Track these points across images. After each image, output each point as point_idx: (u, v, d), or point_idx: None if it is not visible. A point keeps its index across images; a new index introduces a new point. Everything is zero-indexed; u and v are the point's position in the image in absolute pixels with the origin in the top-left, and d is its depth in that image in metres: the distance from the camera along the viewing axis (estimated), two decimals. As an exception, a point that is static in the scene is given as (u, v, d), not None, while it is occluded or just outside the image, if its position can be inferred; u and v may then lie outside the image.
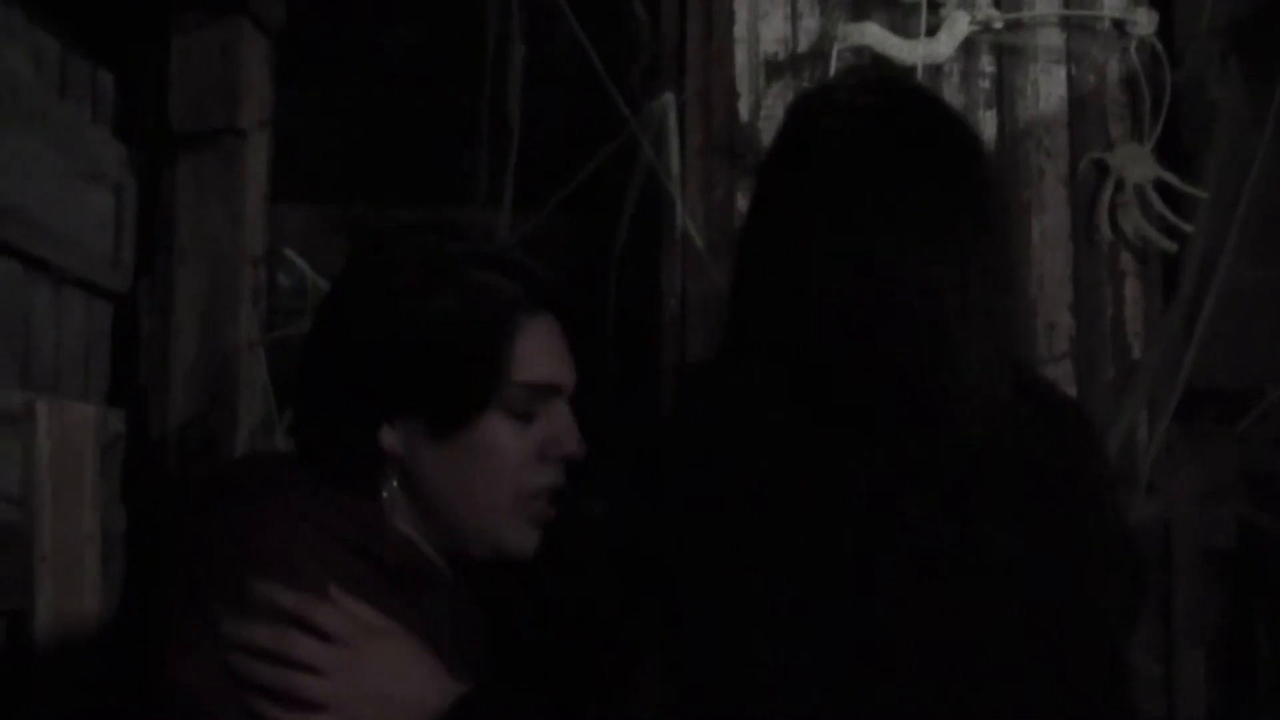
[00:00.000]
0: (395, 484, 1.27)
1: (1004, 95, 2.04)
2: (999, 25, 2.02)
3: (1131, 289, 2.04)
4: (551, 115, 2.08)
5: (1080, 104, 2.04)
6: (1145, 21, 2.02)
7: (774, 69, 2.03)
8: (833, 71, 1.96)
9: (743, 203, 1.98)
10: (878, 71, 1.85)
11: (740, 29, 2.03)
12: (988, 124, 2.02)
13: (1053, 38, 2.05)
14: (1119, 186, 2.01)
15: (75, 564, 1.69)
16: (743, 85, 2.03)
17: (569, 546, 1.35)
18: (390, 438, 1.25)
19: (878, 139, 1.24)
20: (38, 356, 1.75)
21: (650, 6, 2.04)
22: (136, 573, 1.84)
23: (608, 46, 2.01)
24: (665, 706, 1.18)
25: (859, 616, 1.13)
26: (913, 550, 1.15)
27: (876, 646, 1.13)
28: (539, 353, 1.28)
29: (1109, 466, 1.42)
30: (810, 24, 2.04)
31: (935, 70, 2.00)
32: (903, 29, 2.00)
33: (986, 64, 2.05)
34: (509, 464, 1.27)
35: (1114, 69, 2.05)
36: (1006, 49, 2.05)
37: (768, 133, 1.99)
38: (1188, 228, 2.01)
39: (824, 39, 2.02)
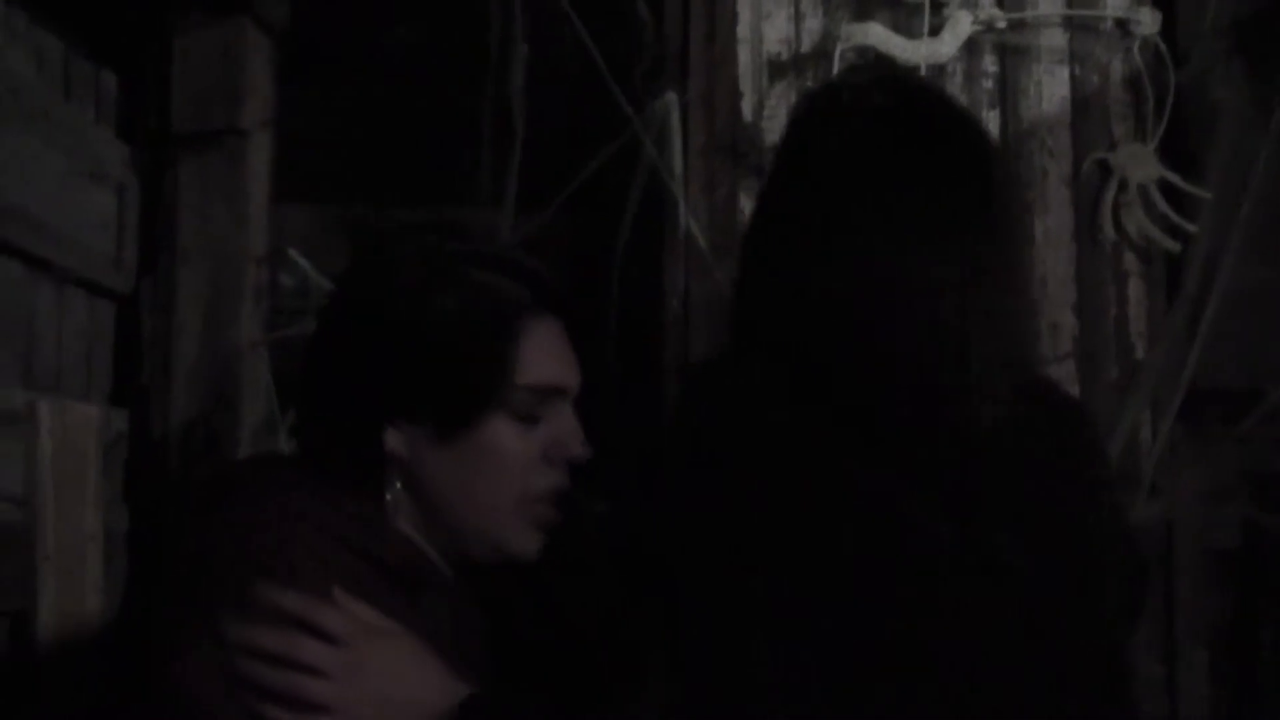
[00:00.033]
0: (399, 486, 1.27)
1: (1007, 95, 2.04)
2: (1002, 25, 2.02)
3: (1135, 289, 2.04)
4: (554, 115, 2.08)
5: (1083, 104, 2.05)
6: (1148, 21, 2.02)
7: (777, 69, 2.03)
8: (835, 72, 1.95)
9: (745, 202, 1.98)
10: (884, 69, 1.84)
11: (743, 29, 2.03)
12: (990, 124, 2.02)
13: (1056, 38, 2.05)
14: (1122, 186, 2.01)
15: (78, 564, 1.70)
16: (746, 85, 2.03)
17: (571, 546, 1.35)
18: (394, 440, 1.25)
19: (879, 140, 1.24)
20: (40, 356, 1.75)
21: (653, 7, 2.04)
22: (139, 573, 1.84)
23: (611, 46, 2.01)
24: (668, 707, 1.18)
25: (859, 616, 1.13)
26: (913, 550, 1.15)
27: (876, 646, 1.12)
28: (544, 355, 1.28)
29: (1111, 467, 1.42)
30: (813, 24, 2.04)
31: (938, 70, 2.00)
32: (906, 29, 2.00)
33: (989, 64, 2.05)
34: (513, 466, 1.27)
35: (1117, 69, 2.05)
36: (1009, 49, 2.05)
37: (771, 133, 1.99)
38: (1191, 228, 2.01)
39: (827, 39, 2.02)
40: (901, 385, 1.18)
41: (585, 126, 2.06)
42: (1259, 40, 2.04)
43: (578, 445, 1.30)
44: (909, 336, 1.18)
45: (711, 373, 1.30)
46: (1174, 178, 2.01)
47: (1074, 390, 1.97)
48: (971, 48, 2.03)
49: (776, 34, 2.04)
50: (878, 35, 1.97)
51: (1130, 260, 2.04)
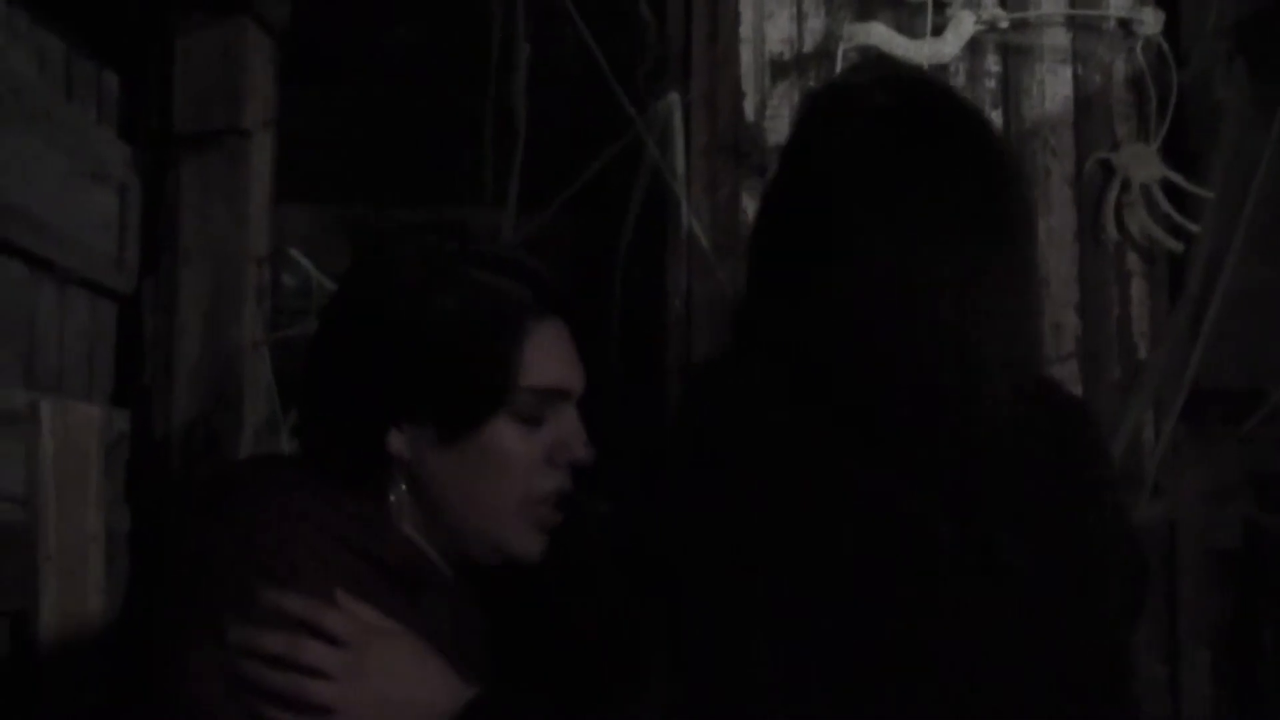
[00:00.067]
0: (403, 487, 1.27)
1: (1009, 95, 2.04)
2: (1005, 25, 2.02)
3: (1137, 289, 2.04)
4: (556, 115, 2.08)
5: (1086, 104, 2.04)
6: (1151, 21, 2.01)
7: (779, 69, 2.03)
8: (838, 72, 1.95)
9: (748, 202, 1.98)
10: (889, 67, 1.84)
11: (745, 29, 2.03)
12: (993, 124, 2.02)
13: (1058, 37, 2.05)
14: (1125, 186, 2.01)
15: (79, 564, 1.69)
16: (748, 85, 2.03)
17: (574, 547, 1.35)
18: (398, 442, 1.25)
19: (881, 139, 1.23)
20: (42, 356, 1.75)
21: (655, 7, 2.04)
22: (140, 573, 1.84)
23: (613, 47, 2.01)
24: (669, 707, 1.18)
25: (859, 616, 1.13)
26: (913, 550, 1.14)
27: (877, 646, 1.12)
28: (547, 357, 1.28)
29: (1112, 467, 1.41)
30: (816, 24, 2.04)
31: (941, 70, 2.00)
32: (908, 28, 2.00)
33: (992, 64, 2.05)
34: (517, 469, 1.27)
35: (1120, 69, 2.05)
36: (1012, 49, 2.04)
37: (773, 132, 1.99)
38: (1194, 228, 2.01)
39: (829, 39, 2.02)
40: (902, 385, 1.18)
41: (587, 126, 2.06)
42: (1261, 40, 2.04)
43: (581, 447, 1.30)
44: (909, 336, 1.18)
45: (713, 373, 1.30)
46: (1177, 177, 2.01)
47: (1077, 390, 1.97)
48: (974, 47, 2.02)
49: (779, 34, 2.04)
50: (880, 35, 1.97)
51: (1133, 260, 2.04)
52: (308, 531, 1.20)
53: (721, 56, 2.03)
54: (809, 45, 2.03)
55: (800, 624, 1.12)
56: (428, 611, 1.25)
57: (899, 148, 1.23)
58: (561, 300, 1.31)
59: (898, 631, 1.13)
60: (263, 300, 2.00)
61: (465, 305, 1.24)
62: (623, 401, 1.83)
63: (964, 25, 1.99)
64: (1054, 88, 2.04)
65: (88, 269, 1.84)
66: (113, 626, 1.75)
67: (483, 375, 1.24)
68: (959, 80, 2.02)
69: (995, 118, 2.03)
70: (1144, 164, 2.01)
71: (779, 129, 1.99)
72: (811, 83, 1.99)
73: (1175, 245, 2.01)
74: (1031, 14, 2.04)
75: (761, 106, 2.02)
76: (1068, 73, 2.05)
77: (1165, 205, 2.01)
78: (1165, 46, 2.02)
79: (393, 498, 1.26)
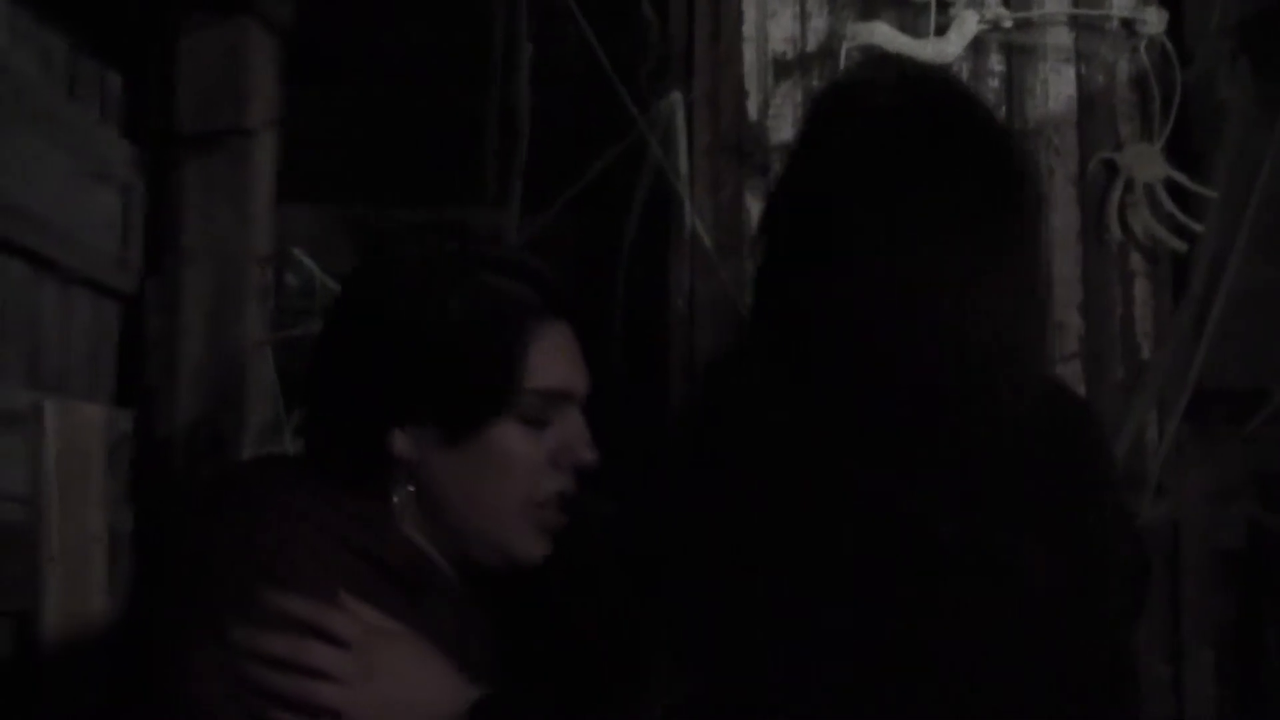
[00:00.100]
0: (407, 489, 1.27)
1: (1013, 94, 2.04)
2: (1008, 24, 2.02)
3: (1141, 289, 2.03)
4: (559, 115, 2.08)
5: (1089, 103, 2.04)
6: (1155, 20, 2.01)
7: (782, 68, 2.03)
8: (842, 71, 1.95)
9: (751, 202, 1.98)
10: (894, 65, 1.83)
11: (749, 28, 2.03)
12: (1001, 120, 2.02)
13: (1062, 37, 2.04)
14: (1128, 186, 2.01)
15: (82, 564, 1.70)
16: (751, 84, 2.03)
17: (576, 547, 1.35)
18: (402, 443, 1.25)
19: (884, 138, 1.23)
20: (45, 356, 1.75)
21: (658, 6, 2.04)
22: (143, 573, 1.84)
23: (615, 46, 2.01)
24: (671, 707, 1.18)
25: (859, 616, 1.13)
26: (913, 550, 1.14)
27: (877, 646, 1.12)
28: (552, 359, 1.28)
29: (1115, 466, 1.41)
30: (819, 23, 2.04)
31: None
32: (912, 28, 1.99)
33: (995, 63, 2.04)
34: (521, 471, 1.26)
35: (1123, 68, 2.04)
36: (1015, 48, 2.04)
37: (776, 132, 1.99)
38: (1197, 227, 2.00)
39: (833, 38, 2.02)
40: (902, 385, 1.18)
41: (590, 126, 2.05)
42: (1265, 39, 2.04)
43: (586, 450, 1.30)
44: (909, 336, 1.18)
45: (715, 373, 1.30)
46: (1180, 177, 2.01)
47: (1080, 390, 1.96)
48: (978, 47, 2.02)
49: (782, 33, 2.04)
50: (884, 34, 1.96)
51: (1136, 260, 2.03)
52: (308, 532, 1.20)
53: (724, 56, 2.03)
54: (812, 44, 2.03)
55: (801, 624, 1.12)
56: (430, 612, 1.25)
57: (900, 147, 1.22)
58: (566, 302, 1.31)
59: (898, 631, 1.13)
60: (266, 300, 2.01)
61: (470, 307, 1.24)
62: (626, 401, 1.83)
63: (967, 25, 1.99)
64: (1057, 87, 2.04)
65: (91, 269, 1.85)
66: (115, 627, 1.74)
67: (487, 377, 1.24)
68: (962, 80, 2.02)
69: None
70: (1148, 164, 2.00)
71: (782, 128, 1.99)
72: (815, 82, 1.99)
73: (1179, 245, 2.01)
74: (1035, 13, 2.03)
75: (765, 106, 2.02)
76: (1071, 72, 2.04)
77: (1169, 205, 2.01)
78: (1169, 46, 2.01)
79: (396, 499, 1.26)
